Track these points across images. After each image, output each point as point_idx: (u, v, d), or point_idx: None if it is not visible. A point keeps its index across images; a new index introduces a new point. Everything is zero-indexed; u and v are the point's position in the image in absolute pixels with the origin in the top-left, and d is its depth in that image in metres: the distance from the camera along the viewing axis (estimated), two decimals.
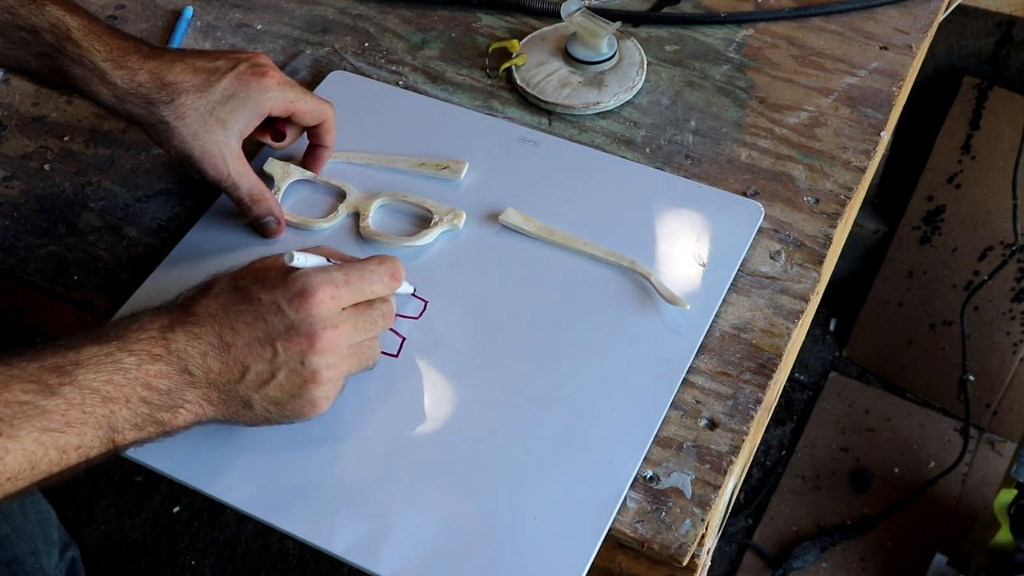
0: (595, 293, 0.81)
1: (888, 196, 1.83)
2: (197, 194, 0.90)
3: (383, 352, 0.76)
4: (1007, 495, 1.33)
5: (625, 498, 0.70)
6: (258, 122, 0.82)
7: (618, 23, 0.96)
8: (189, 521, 1.71)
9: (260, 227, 0.84)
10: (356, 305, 0.69)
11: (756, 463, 1.75)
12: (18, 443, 0.58)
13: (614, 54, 0.97)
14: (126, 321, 0.66)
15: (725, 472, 0.72)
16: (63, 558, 0.99)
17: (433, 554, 0.68)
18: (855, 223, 1.61)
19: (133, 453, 0.73)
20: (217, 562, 1.66)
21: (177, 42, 1.02)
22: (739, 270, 0.83)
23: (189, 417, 0.65)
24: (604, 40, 0.95)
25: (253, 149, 0.89)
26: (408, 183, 0.88)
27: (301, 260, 0.68)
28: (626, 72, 0.96)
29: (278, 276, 0.67)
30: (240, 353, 0.65)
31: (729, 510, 0.80)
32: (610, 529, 0.69)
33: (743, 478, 0.86)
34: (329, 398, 0.69)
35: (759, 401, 0.76)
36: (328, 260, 0.71)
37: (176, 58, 0.80)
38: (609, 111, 0.95)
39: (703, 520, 0.70)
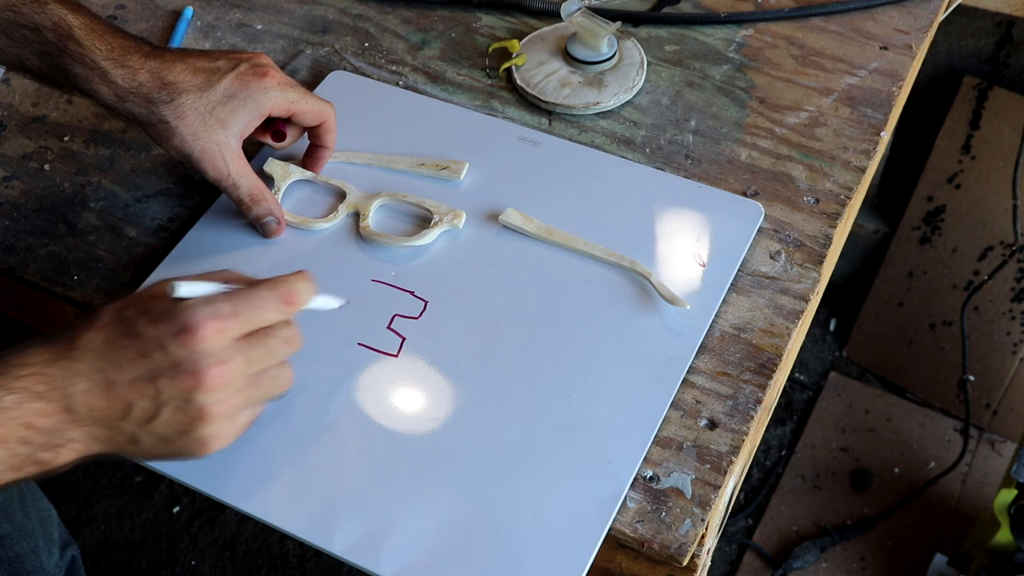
0: (595, 293, 0.81)
1: (888, 196, 1.83)
2: (197, 194, 0.90)
3: (382, 352, 0.76)
4: (1007, 495, 1.33)
5: (625, 498, 0.70)
6: (258, 122, 0.82)
7: (618, 23, 0.96)
8: (189, 521, 1.71)
9: (260, 227, 0.84)
10: (251, 334, 0.64)
11: (756, 463, 1.75)
12: None
13: (614, 54, 0.97)
14: (9, 353, 0.62)
15: (725, 472, 0.72)
16: (63, 557, 0.99)
17: (433, 554, 0.68)
18: (855, 223, 1.61)
19: None
20: (217, 562, 1.66)
21: (177, 42, 1.02)
22: (739, 270, 0.83)
23: (72, 456, 0.62)
24: (604, 40, 0.95)
25: (253, 149, 0.89)
26: (408, 183, 0.88)
27: (185, 290, 0.63)
28: (626, 72, 0.96)
29: (164, 309, 0.63)
30: (123, 390, 0.62)
31: (729, 510, 0.80)
32: (610, 529, 0.69)
33: (743, 478, 0.87)
34: (222, 435, 0.64)
35: (759, 401, 0.76)
36: (225, 284, 0.66)
37: (177, 58, 0.80)
38: (609, 111, 0.95)
39: (703, 520, 0.70)
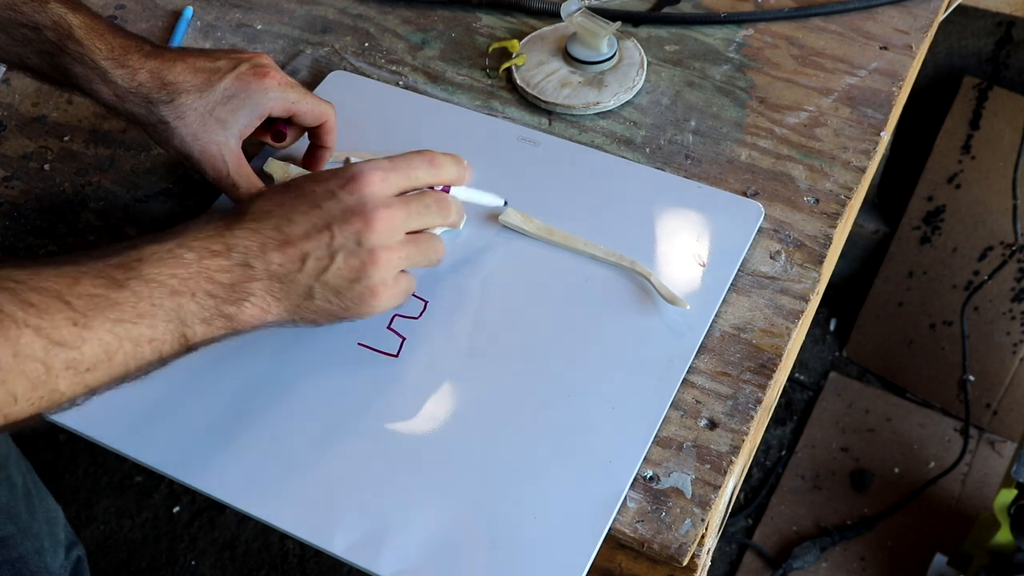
0: (595, 293, 0.81)
1: (888, 196, 1.83)
2: (197, 194, 0.90)
3: (382, 352, 0.76)
4: (1007, 495, 1.33)
5: (625, 498, 0.70)
6: (258, 123, 0.82)
7: (618, 23, 0.96)
8: (189, 521, 1.71)
9: None
10: (408, 195, 0.71)
11: (756, 463, 1.75)
12: (93, 333, 0.59)
13: (614, 54, 0.97)
14: (183, 224, 0.67)
15: (725, 472, 0.72)
16: (68, 557, 0.99)
17: (433, 554, 0.68)
18: (855, 223, 1.61)
19: (132, 452, 0.73)
20: (217, 562, 1.66)
21: (177, 42, 1.02)
22: (739, 270, 0.83)
23: (255, 312, 0.66)
24: (604, 40, 0.95)
25: (253, 149, 0.89)
26: None
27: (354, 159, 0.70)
28: (626, 72, 0.96)
29: (327, 172, 0.70)
30: (299, 241, 0.67)
31: (729, 510, 0.80)
32: (610, 529, 0.69)
33: (743, 478, 0.86)
34: (388, 287, 0.70)
35: (759, 401, 0.76)
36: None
37: (177, 58, 0.80)
38: (609, 111, 0.95)
39: (703, 520, 0.70)
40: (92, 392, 0.61)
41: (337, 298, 0.68)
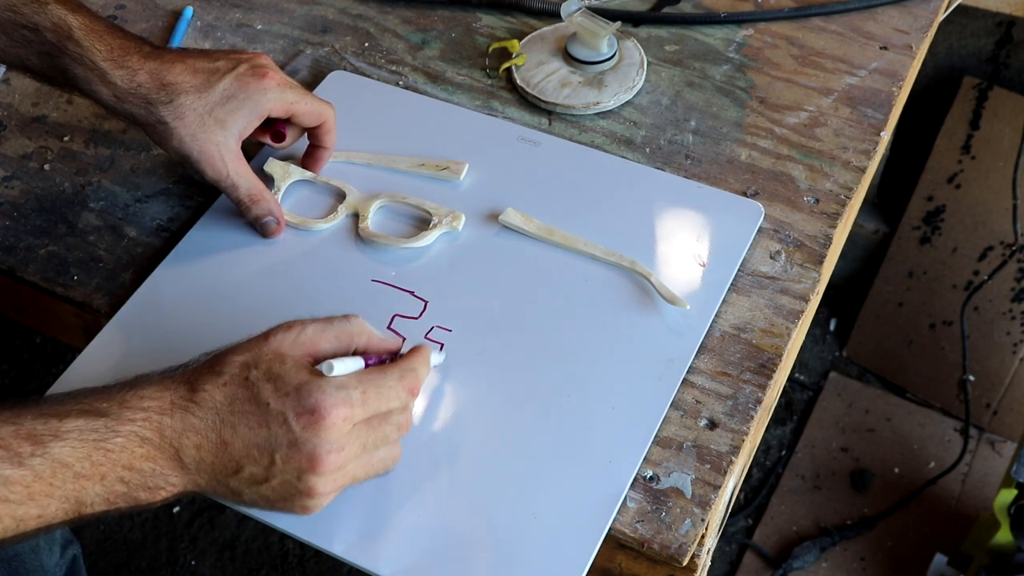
0: (595, 293, 0.81)
1: (888, 196, 1.83)
2: (197, 194, 0.90)
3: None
4: (1007, 495, 1.33)
5: (625, 498, 0.70)
6: (257, 123, 0.82)
7: (618, 23, 0.96)
8: (189, 521, 1.71)
9: (259, 227, 0.84)
10: (368, 419, 0.64)
11: (756, 463, 1.75)
12: None
13: (614, 54, 0.97)
14: (126, 390, 0.62)
15: (725, 472, 0.72)
16: (64, 556, 0.99)
17: (433, 554, 0.68)
18: (855, 223, 1.61)
19: None
20: (217, 562, 1.66)
21: (177, 42, 1.02)
22: (739, 270, 0.83)
23: (169, 496, 0.62)
24: (604, 40, 0.95)
25: (253, 149, 0.89)
26: (408, 184, 0.88)
27: (339, 369, 0.64)
28: (626, 72, 0.96)
29: (292, 379, 0.63)
30: (237, 453, 0.62)
31: (729, 510, 0.80)
32: (610, 529, 0.69)
33: (743, 478, 0.86)
34: (323, 505, 0.65)
35: (759, 401, 0.76)
36: (364, 360, 0.67)
37: (177, 58, 0.80)
38: (609, 111, 0.95)
39: (703, 520, 0.70)
40: None
41: (266, 503, 0.64)
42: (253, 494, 0.63)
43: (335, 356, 0.66)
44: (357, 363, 0.66)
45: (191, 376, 0.63)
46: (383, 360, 0.68)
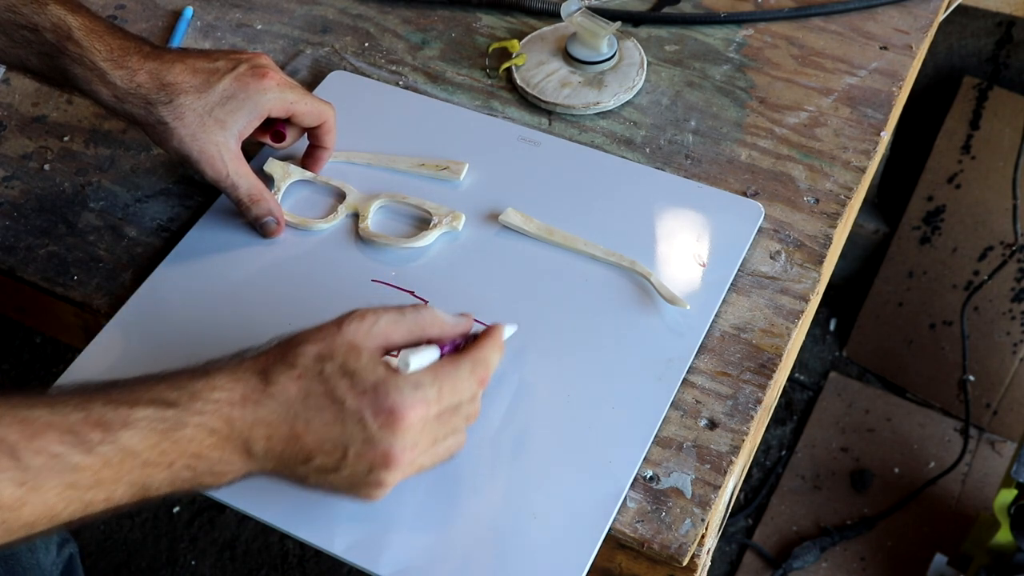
0: (595, 293, 0.81)
1: (888, 196, 1.83)
2: (197, 194, 0.90)
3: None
4: (1007, 495, 1.33)
5: (625, 498, 0.70)
6: (257, 123, 0.82)
7: (618, 23, 0.96)
8: (189, 521, 1.71)
9: (259, 227, 0.84)
10: (440, 413, 0.64)
11: (756, 463, 1.75)
12: (39, 496, 0.55)
13: (614, 54, 0.97)
14: (197, 378, 0.61)
15: (725, 472, 0.72)
16: (60, 554, 0.99)
17: (433, 554, 0.68)
18: (855, 223, 1.61)
19: None
20: (217, 562, 1.66)
21: (177, 42, 1.02)
22: (739, 270, 0.83)
23: (234, 479, 0.62)
24: (604, 40, 0.95)
25: (253, 149, 0.89)
26: (408, 184, 0.88)
27: (416, 364, 0.63)
28: (626, 72, 0.96)
29: (368, 375, 0.62)
30: (309, 444, 0.61)
31: (729, 510, 0.80)
32: (610, 529, 0.69)
33: (743, 478, 0.86)
34: (387, 494, 0.65)
35: (759, 401, 0.75)
36: (440, 348, 0.66)
37: (176, 58, 0.80)
38: (609, 111, 0.95)
39: (703, 520, 0.70)
40: (25, 540, 0.57)
41: (331, 490, 0.64)
42: (319, 480, 0.63)
43: (407, 346, 0.65)
44: (432, 354, 0.65)
45: (264, 366, 0.62)
46: (457, 345, 0.67)
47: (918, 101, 1.66)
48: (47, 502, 0.56)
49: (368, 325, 0.64)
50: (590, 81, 0.95)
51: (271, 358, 0.63)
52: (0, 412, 0.56)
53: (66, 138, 0.95)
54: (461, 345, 0.68)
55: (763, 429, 0.85)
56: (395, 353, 0.66)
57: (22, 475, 0.55)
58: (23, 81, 0.99)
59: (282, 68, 0.90)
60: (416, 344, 0.66)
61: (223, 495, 0.71)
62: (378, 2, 1.06)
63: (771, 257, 0.84)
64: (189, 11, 1.05)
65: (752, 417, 0.75)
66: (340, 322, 0.64)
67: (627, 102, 0.95)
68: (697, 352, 0.77)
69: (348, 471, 0.62)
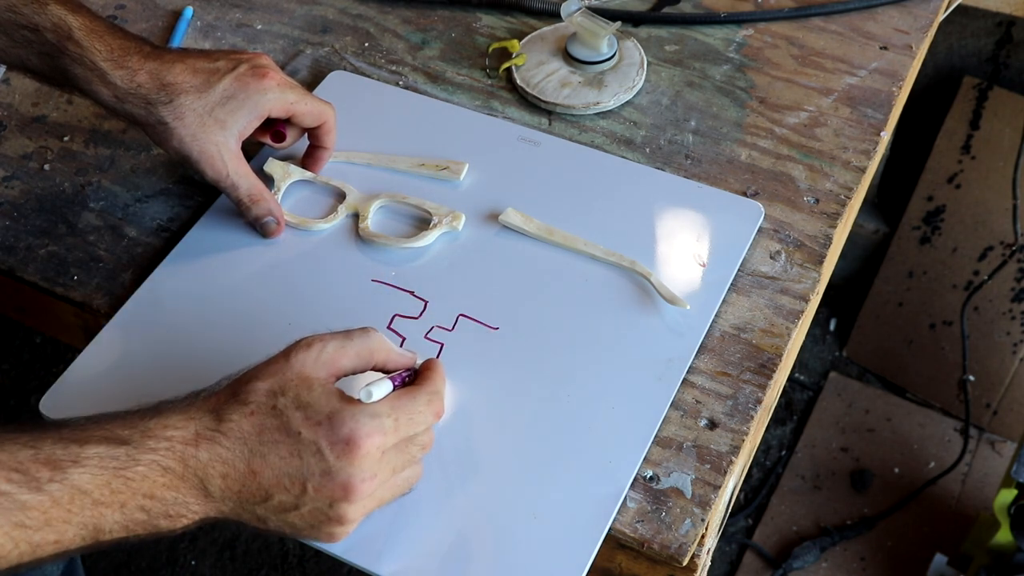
0: (595, 293, 0.81)
1: (888, 196, 1.83)
2: (197, 194, 0.90)
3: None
4: (1007, 495, 1.33)
5: (625, 498, 0.70)
6: (257, 123, 0.82)
7: (618, 23, 0.96)
8: None
9: (259, 227, 0.84)
10: (397, 443, 0.64)
11: (756, 463, 1.75)
12: None
13: (614, 54, 0.97)
14: (149, 418, 0.60)
15: (725, 472, 0.72)
16: None
17: (433, 554, 0.68)
18: (855, 223, 1.61)
19: None
20: (217, 562, 1.66)
21: (177, 42, 1.02)
22: (739, 270, 0.83)
23: (190, 523, 0.61)
24: (604, 40, 0.95)
25: (253, 149, 0.89)
26: (408, 183, 0.88)
27: (378, 395, 0.63)
28: (626, 72, 0.96)
29: (324, 408, 0.61)
30: (267, 481, 0.61)
31: (729, 510, 0.80)
32: (610, 529, 0.69)
33: (743, 478, 0.87)
34: (349, 533, 0.64)
35: (759, 401, 0.76)
36: (392, 382, 0.66)
37: (177, 58, 0.80)
38: (609, 111, 0.95)
39: (703, 520, 0.70)
40: None
41: (291, 530, 0.63)
42: (280, 521, 0.62)
43: (355, 373, 0.65)
44: (387, 386, 0.65)
45: (215, 405, 0.62)
46: (404, 378, 0.67)
47: (918, 101, 1.67)
48: None
49: (315, 353, 0.64)
50: (590, 81, 0.95)
51: (222, 397, 0.62)
52: None
53: (66, 138, 0.95)
54: (408, 379, 0.68)
55: (763, 429, 0.85)
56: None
57: None
58: (23, 81, 0.99)
59: (282, 68, 0.90)
60: (363, 371, 0.66)
61: None
62: (378, 2, 1.06)
63: (771, 257, 0.84)
64: (189, 11, 1.05)
65: (752, 417, 0.75)
66: (287, 353, 0.64)
67: (627, 102, 0.95)
68: (697, 352, 0.77)
69: (308, 507, 0.62)
